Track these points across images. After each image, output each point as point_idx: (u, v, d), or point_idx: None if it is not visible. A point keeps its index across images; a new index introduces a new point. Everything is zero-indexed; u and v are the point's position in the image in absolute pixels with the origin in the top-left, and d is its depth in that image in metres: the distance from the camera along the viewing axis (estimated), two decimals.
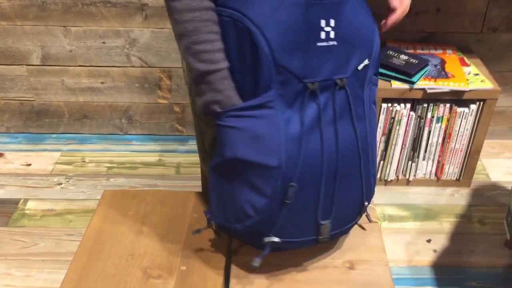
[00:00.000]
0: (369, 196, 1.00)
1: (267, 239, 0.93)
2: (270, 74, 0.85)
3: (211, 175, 0.96)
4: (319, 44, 0.87)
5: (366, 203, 0.98)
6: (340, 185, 0.93)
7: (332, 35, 0.88)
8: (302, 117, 0.88)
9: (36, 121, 1.84)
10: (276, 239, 0.93)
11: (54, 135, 1.86)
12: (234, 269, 1.01)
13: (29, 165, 1.72)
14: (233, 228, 0.94)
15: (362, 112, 0.94)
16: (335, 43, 0.88)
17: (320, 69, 0.88)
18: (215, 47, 0.86)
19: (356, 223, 1.02)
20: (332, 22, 0.87)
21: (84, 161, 1.74)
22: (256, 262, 0.92)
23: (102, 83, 1.75)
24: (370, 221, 1.06)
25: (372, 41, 0.93)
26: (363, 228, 1.07)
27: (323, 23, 0.86)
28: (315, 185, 0.90)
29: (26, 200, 1.57)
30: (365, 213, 1.05)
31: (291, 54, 0.86)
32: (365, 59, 0.92)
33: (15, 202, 1.57)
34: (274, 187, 0.88)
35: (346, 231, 1.01)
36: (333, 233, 0.97)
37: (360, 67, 0.92)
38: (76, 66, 1.72)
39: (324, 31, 0.87)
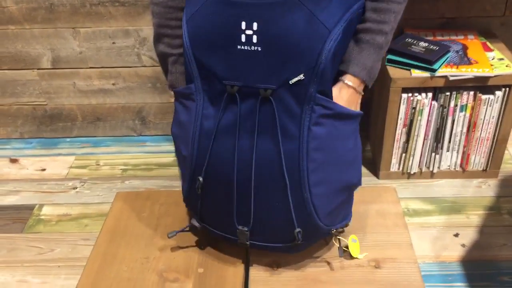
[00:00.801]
0: (306, 224, 0.91)
1: (191, 221, 0.99)
2: (192, 67, 0.86)
3: None
4: (240, 47, 0.81)
5: (297, 230, 0.90)
6: (259, 199, 0.89)
7: (254, 39, 0.80)
8: (219, 117, 0.87)
9: (50, 125, 1.82)
10: (196, 224, 0.98)
11: (68, 139, 1.84)
12: (253, 270, 0.97)
13: (44, 170, 1.70)
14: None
15: (296, 132, 0.84)
16: (258, 48, 0.80)
17: (242, 74, 0.83)
18: (175, 32, 0.89)
19: (291, 247, 0.94)
20: (255, 26, 0.79)
21: (98, 164, 1.71)
22: (169, 235, 0.99)
23: (113, 84, 1.73)
24: (340, 255, 1.00)
25: (317, 53, 0.80)
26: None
27: (243, 25, 0.79)
28: (226, 187, 0.90)
29: (41, 206, 1.55)
30: (338, 245, 1.00)
31: (210, 51, 0.83)
32: (300, 73, 0.81)
33: (31, 208, 1.55)
34: (190, 174, 0.91)
35: (275, 249, 0.96)
36: (255, 244, 0.95)
37: (292, 81, 0.82)
38: (87, 68, 1.69)
39: (245, 34, 0.80)
